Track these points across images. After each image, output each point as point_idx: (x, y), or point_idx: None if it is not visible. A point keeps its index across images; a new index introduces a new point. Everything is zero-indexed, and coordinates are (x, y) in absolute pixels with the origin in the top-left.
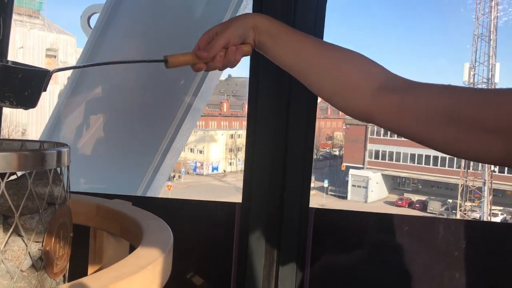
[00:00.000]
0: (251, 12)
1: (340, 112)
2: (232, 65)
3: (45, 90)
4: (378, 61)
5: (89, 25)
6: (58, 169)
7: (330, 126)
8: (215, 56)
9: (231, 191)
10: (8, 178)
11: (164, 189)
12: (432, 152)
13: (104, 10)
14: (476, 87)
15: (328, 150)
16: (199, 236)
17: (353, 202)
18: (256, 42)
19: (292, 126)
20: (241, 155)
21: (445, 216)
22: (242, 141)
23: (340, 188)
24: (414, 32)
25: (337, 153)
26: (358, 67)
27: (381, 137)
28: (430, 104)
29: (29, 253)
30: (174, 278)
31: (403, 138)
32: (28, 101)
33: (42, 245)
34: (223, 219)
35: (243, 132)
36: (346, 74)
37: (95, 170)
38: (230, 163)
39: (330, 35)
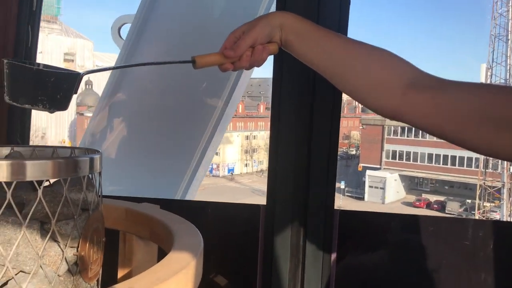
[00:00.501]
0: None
1: (357, 111)
2: (259, 64)
3: (76, 93)
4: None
5: (120, 36)
6: (91, 175)
7: (347, 125)
8: (242, 55)
9: (247, 192)
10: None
11: None
12: (450, 152)
13: (135, 20)
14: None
15: (344, 150)
16: (223, 238)
17: (370, 203)
18: (282, 41)
19: (317, 127)
20: (257, 156)
21: (464, 217)
22: (257, 142)
23: (357, 189)
24: (432, 33)
25: (354, 152)
26: (387, 64)
27: (398, 137)
28: (462, 103)
29: (65, 258)
30: (200, 281)
31: (420, 138)
32: (60, 104)
33: (77, 250)
34: (248, 221)
35: (258, 133)
36: (375, 71)
37: (133, 175)
38: (246, 164)
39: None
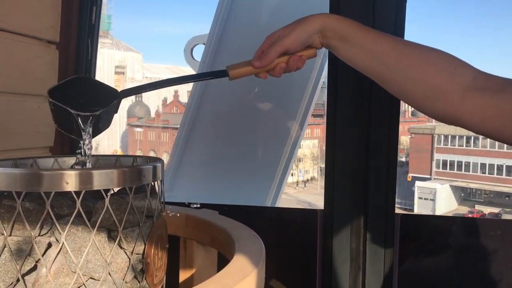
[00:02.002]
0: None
1: (407, 115)
2: (296, 70)
3: (116, 112)
4: None
5: (193, 57)
6: (153, 182)
7: None
8: (275, 66)
9: (292, 203)
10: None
11: None
12: (505, 162)
13: (209, 41)
14: None
15: None
16: (281, 243)
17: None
18: (324, 46)
19: (374, 129)
20: (302, 165)
21: None
22: (302, 151)
23: (406, 200)
24: (496, 34)
25: (403, 159)
26: (442, 67)
27: (449, 146)
28: None
29: (132, 265)
30: None
31: (472, 147)
32: (102, 129)
33: (143, 257)
34: (305, 226)
35: (304, 142)
36: (429, 76)
37: (225, 184)
38: (292, 174)
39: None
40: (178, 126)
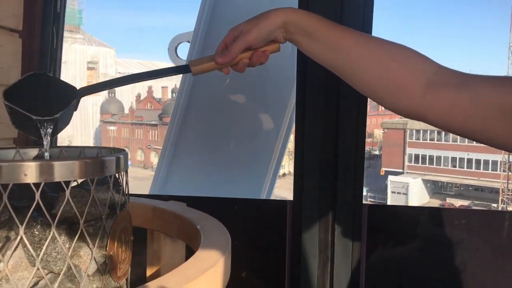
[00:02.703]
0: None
1: (380, 108)
2: (260, 64)
3: (75, 110)
4: None
5: (178, 56)
6: (117, 174)
7: (370, 123)
8: (237, 61)
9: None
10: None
11: None
12: (474, 156)
13: (194, 38)
14: None
15: (367, 149)
16: (251, 234)
17: None
18: (288, 40)
19: (343, 122)
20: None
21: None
22: None
23: (379, 194)
24: (449, 44)
25: (377, 152)
26: (407, 63)
27: (420, 140)
28: (486, 100)
29: (94, 258)
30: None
31: (443, 142)
32: (62, 128)
33: (106, 250)
34: (275, 217)
35: None
36: (394, 72)
37: (218, 179)
38: None
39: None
40: (153, 122)
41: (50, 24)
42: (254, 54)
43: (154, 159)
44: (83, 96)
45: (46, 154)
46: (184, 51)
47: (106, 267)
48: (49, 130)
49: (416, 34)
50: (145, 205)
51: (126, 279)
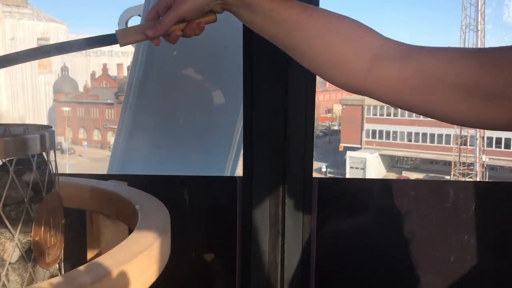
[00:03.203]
0: None
1: None
2: (195, 35)
3: None
4: None
5: None
6: (43, 153)
7: (330, 99)
8: (170, 33)
9: None
10: None
11: None
12: (429, 130)
13: (145, 12)
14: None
15: (327, 124)
16: (200, 212)
17: None
18: (225, 10)
19: (292, 95)
20: None
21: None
22: None
23: (338, 170)
24: (402, 16)
25: (336, 128)
26: (351, 38)
27: (378, 116)
28: (432, 73)
29: (17, 244)
30: (177, 258)
31: (400, 117)
32: None
33: (31, 236)
34: (225, 194)
35: None
36: (337, 47)
37: (180, 156)
38: None
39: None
40: (109, 101)
41: None
42: (188, 26)
43: (111, 138)
44: None
45: None
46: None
47: (32, 254)
48: None
49: (366, 9)
50: (83, 186)
51: (59, 265)
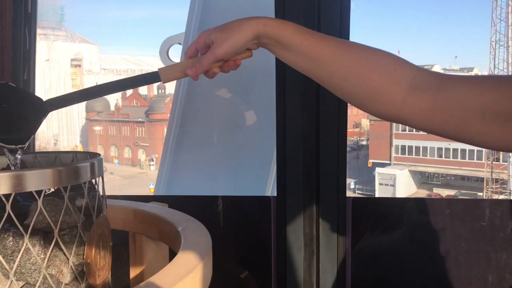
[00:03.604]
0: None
1: None
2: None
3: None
4: None
5: (170, 58)
6: (93, 180)
7: (357, 113)
8: (208, 71)
9: None
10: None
11: None
12: (459, 145)
13: (186, 41)
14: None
15: (355, 139)
16: (235, 232)
17: None
18: (260, 47)
19: (323, 113)
20: None
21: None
22: None
23: (367, 186)
24: (428, 34)
25: (364, 142)
26: (384, 72)
27: (407, 132)
28: (464, 102)
29: (71, 266)
30: (214, 277)
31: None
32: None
33: (83, 258)
34: (259, 213)
35: None
36: (371, 81)
37: (223, 176)
38: None
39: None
40: (139, 119)
41: (21, 25)
42: (225, 64)
43: (142, 156)
44: (52, 110)
45: (18, 161)
46: (176, 52)
47: (84, 275)
48: (19, 156)
49: (395, 32)
50: (126, 208)
51: (107, 285)
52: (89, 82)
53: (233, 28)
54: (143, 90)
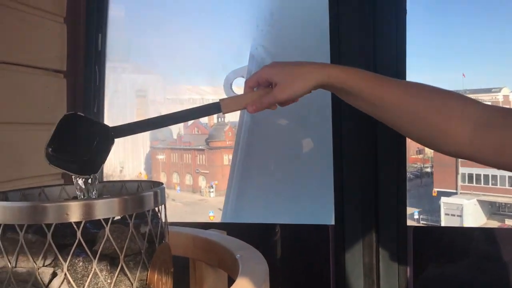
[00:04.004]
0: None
1: None
2: None
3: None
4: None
5: (233, 91)
6: (156, 208)
7: None
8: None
9: None
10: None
11: None
12: None
13: (248, 75)
14: None
15: (418, 166)
16: (293, 260)
17: None
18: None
19: (382, 139)
20: None
21: None
22: None
23: (432, 216)
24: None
25: (429, 169)
26: (450, 115)
27: None
28: None
29: None
30: None
31: None
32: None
33: (146, 283)
34: (317, 242)
35: None
36: (437, 124)
37: (289, 204)
38: None
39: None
40: (200, 147)
41: (92, 63)
42: (285, 102)
43: (202, 182)
44: (117, 138)
45: (92, 189)
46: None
47: None
48: (90, 186)
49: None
50: (186, 235)
51: None
52: (151, 111)
53: (297, 75)
54: (203, 119)
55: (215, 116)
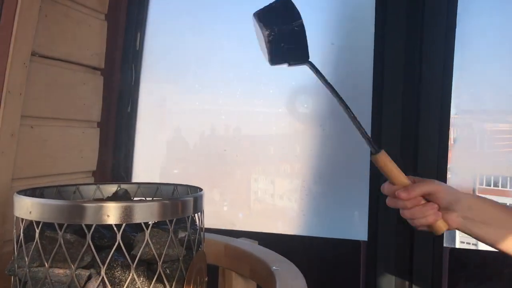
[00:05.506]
0: None
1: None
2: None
3: None
4: None
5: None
6: (194, 214)
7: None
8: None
9: None
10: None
11: None
12: None
13: None
14: None
15: None
16: (322, 275)
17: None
18: (458, 228)
19: (422, 155)
20: None
21: None
22: None
23: (472, 239)
24: None
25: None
26: None
27: (492, 187)
28: None
29: None
30: None
31: None
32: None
33: None
34: (348, 257)
35: None
36: None
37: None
38: None
39: None
40: None
41: (129, 62)
42: (429, 205)
43: None
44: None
45: (124, 190)
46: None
47: None
48: None
49: None
50: (217, 242)
51: None
52: (170, 123)
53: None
54: None
55: None
